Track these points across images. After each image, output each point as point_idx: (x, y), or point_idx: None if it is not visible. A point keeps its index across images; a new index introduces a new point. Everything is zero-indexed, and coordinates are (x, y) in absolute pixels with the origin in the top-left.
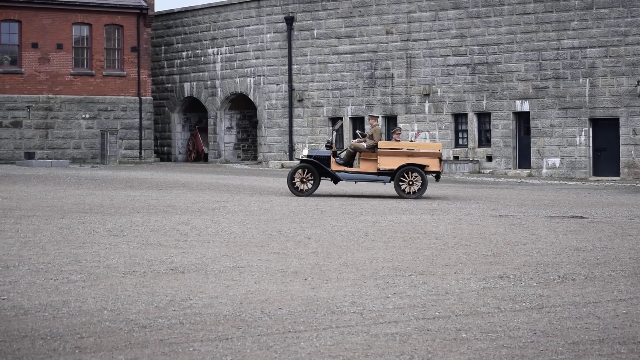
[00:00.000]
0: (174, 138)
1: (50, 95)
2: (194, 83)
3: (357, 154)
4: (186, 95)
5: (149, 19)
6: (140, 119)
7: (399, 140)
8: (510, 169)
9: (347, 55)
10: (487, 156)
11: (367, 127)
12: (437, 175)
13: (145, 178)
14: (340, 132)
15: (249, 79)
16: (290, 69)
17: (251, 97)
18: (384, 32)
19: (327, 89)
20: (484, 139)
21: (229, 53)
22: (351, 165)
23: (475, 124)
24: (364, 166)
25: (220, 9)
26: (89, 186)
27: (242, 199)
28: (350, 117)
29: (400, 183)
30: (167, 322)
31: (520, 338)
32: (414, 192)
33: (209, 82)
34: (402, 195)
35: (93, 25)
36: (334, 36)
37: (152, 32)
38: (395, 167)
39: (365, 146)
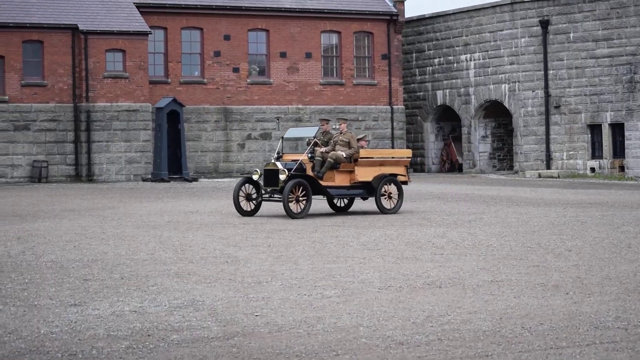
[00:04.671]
0: (427, 148)
1: (300, 106)
2: (447, 91)
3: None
4: (439, 104)
5: (399, 25)
6: (392, 128)
7: (365, 148)
8: None
9: (605, 59)
10: None
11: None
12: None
13: None
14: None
15: (503, 85)
16: (546, 74)
17: (506, 104)
18: None
19: (585, 95)
20: None
21: (482, 59)
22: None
23: None
24: (339, 179)
25: (473, 13)
26: None
27: (498, 210)
28: (609, 124)
29: (382, 197)
30: (425, 338)
31: None
32: (394, 207)
33: (462, 90)
34: (383, 210)
35: (342, 33)
36: (590, 39)
37: (403, 39)
38: (370, 178)
39: (345, 155)
